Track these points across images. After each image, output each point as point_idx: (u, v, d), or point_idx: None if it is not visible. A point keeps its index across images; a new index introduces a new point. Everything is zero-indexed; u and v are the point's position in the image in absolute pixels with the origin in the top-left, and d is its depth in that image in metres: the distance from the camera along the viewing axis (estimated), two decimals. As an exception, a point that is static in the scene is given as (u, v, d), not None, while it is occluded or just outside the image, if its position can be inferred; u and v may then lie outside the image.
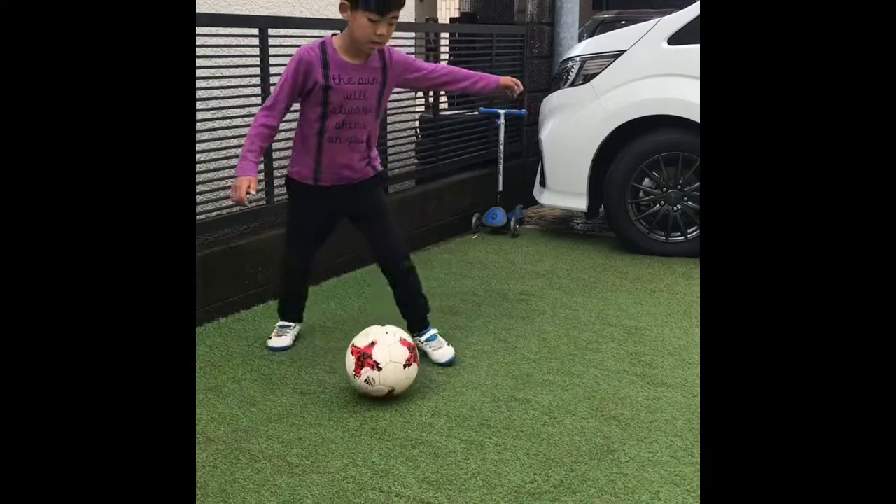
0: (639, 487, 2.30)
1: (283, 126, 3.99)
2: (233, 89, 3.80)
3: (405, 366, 2.74)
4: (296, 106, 2.94)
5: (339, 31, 2.91)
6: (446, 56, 5.52)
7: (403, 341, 2.79)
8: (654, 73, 4.60)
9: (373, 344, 2.74)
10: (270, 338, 3.27)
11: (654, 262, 4.58)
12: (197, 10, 3.46)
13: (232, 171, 3.85)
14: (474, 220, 5.23)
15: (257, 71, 3.85)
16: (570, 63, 5.01)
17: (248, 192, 2.75)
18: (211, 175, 3.75)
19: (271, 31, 3.87)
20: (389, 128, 4.77)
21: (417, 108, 5.34)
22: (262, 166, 3.98)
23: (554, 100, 5.07)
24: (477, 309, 3.78)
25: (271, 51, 3.85)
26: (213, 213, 3.74)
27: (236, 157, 3.86)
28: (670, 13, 4.66)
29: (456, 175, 5.37)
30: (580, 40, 5.88)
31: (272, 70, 3.85)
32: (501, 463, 2.42)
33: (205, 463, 2.39)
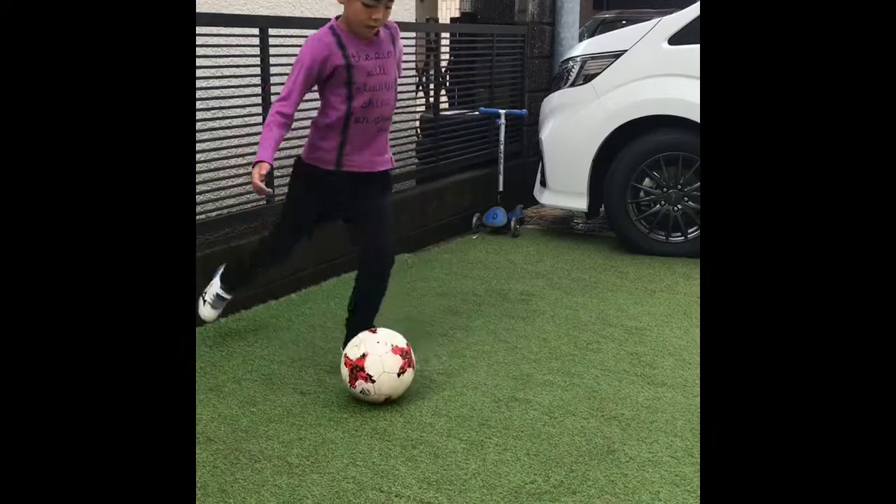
0: (639, 488, 2.30)
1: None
2: (233, 89, 3.80)
3: (399, 374, 2.72)
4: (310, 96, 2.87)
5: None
6: (447, 56, 5.52)
7: (395, 349, 2.74)
8: (654, 74, 4.60)
9: (364, 356, 2.71)
10: (203, 303, 3.27)
11: (655, 262, 4.58)
12: (197, 10, 3.46)
13: (233, 171, 3.86)
14: (475, 220, 5.23)
15: (258, 71, 3.85)
16: (571, 63, 5.01)
17: (261, 178, 2.71)
18: (211, 175, 3.75)
19: (272, 31, 3.87)
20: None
21: (418, 108, 5.34)
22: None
23: (554, 100, 5.07)
24: (477, 309, 3.78)
25: (272, 51, 3.85)
26: (214, 213, 3.74)
27: (237, 156, 3.88)
28: (671, 13, 4.66)
29: (456, 175, 5.37)
30: (581, 40, 5.88)
31: (273, 70, 3.85)
32: (501, 463, 2.41)
33: (205, 463, 2.39)
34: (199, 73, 3.19)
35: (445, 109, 5.50)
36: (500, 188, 5.29)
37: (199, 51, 3.27)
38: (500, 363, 3.15)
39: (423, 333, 3.42)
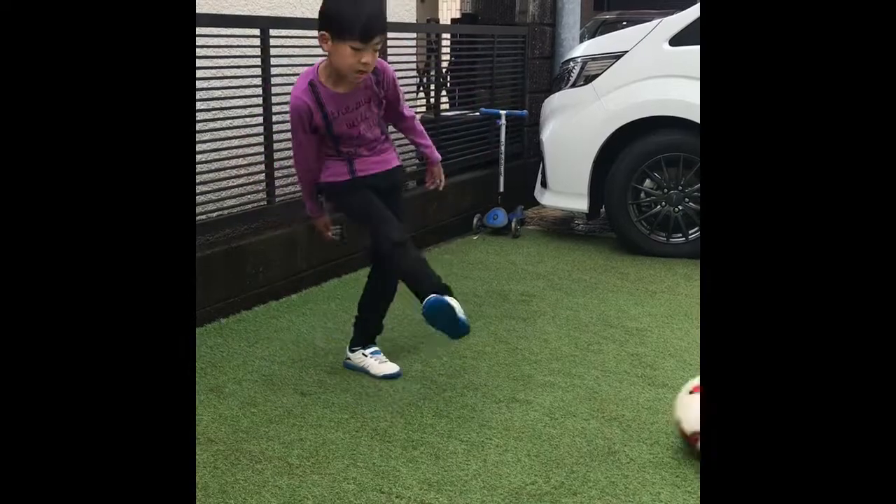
0: (640, 489, 2.30)
1: (282, 128, 3.99)
2: (234, 90, 3.80)
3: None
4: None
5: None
6: (447, 57, 5.53)
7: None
8: (655, 75, 4.60)
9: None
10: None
11: (656, 263, 4.58)
12: (198, 11, 3.46)
13: (233, 171, 3.86)
14: (475, 220, 5.23)
15: (259, 72, 3.85)
16: (572, 64, 5.01)
17: (329, 230, 2.97)
18: (212, 175, 3.75)
19: (273, 32, 3.87)
20: (390, 128, 4.76)
21: (418, 109, 5.34)
22: (262, 166, 3.98)
23: (555, 101, 5.07)
24: (478, 310, 3.77)
25: (272, 51, 3.85)
26: (215, 214, 3.74)
27: (237, 157, 3.88)
28: (672, 14, 4.66)
29: (457, 176, 5.37)
30: (581, 41, 5.88)
31: (273, 71, 3.85)
32: (502, 464, 2.41)
33: (206, 464, 2.39)
34: (199, 73, 3.19)
35: (446, 110, 5.50)
36: (501, 189, 5.29)
37: (199, 52, 3.27)
38: (500, 364, 3.15)
39: (424, 334, 3.42)
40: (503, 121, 5.27)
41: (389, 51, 4.50)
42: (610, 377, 3.03)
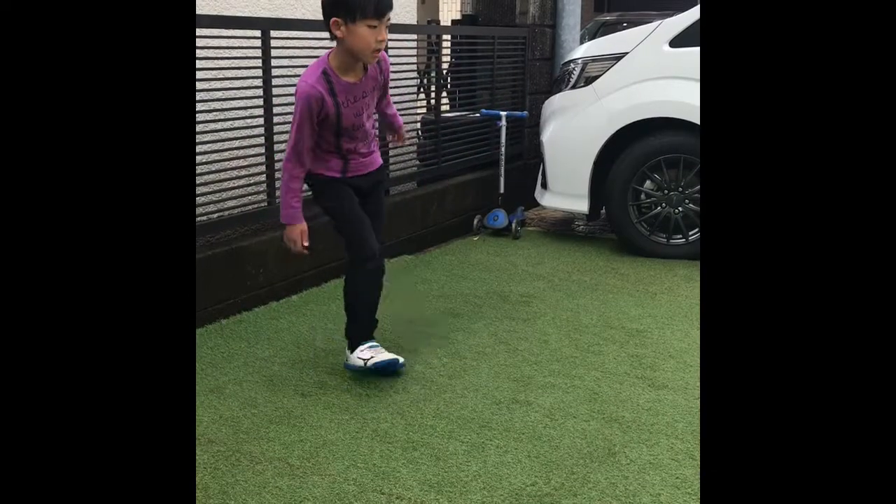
0: (640, 490, 2.30)
1: (283, 129, 3.99)
2: (235, 91, 3.81)
3: None
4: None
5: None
6: (448, 58, 5.52)
7: None
8: (655, 76, 4.60)
9: None
10: (368, 358, 2.92)
11: (656, 264, 4.58)
12: (198, 12, 3.46)
13: (234, 173, 3.86)
14: (476, 221, 5.23)
15: (259, 73, 3.85)
16: (572, 65, 5.01)
17: (305, 240, 2.80)
18: (213, 177, 3.75)
19: (273, 34, 3.87)
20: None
21: (419, 110, 5.34)
22: (263, 167, 3.98)
23: (555, 102, 5.07)
24: (478, 311, 3.77)
25: (273, 52, 3.85)
26: (215, 215, 3.74)
27: (238, 158, 3.88)
28: (672, 16, 4.66)
29: (457, 177, 5.37)
30: (582, 42, 5.88)
31: (274, 72, 3.85)
32: (502, 465, 2.41)
33: (206, 465, 2.39)
34: (200, 74, 3.19)
35: (447, 111, 5.50)
36: (502, 190, 5.29)
37: (200, 52, 3.27)
38: (500, 365, 3.15)
39: (424, 335, 3.42)
40: (503, 122, 5.27)
41: (390, 52, 4.50)
42: (610, 378, 3.03)
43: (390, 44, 4.39)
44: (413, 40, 5.07)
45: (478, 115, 5.45)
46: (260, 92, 3.86)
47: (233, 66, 3.80)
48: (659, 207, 4.68)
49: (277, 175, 3.96)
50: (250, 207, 3.93)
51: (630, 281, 4.28)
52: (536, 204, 5.35)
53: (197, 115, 3.33)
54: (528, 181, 5.66)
